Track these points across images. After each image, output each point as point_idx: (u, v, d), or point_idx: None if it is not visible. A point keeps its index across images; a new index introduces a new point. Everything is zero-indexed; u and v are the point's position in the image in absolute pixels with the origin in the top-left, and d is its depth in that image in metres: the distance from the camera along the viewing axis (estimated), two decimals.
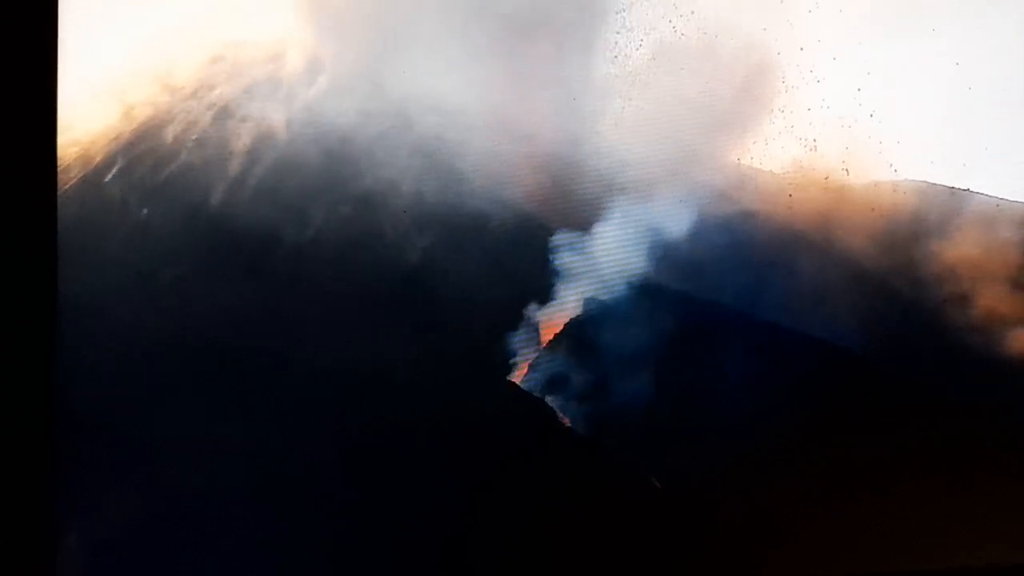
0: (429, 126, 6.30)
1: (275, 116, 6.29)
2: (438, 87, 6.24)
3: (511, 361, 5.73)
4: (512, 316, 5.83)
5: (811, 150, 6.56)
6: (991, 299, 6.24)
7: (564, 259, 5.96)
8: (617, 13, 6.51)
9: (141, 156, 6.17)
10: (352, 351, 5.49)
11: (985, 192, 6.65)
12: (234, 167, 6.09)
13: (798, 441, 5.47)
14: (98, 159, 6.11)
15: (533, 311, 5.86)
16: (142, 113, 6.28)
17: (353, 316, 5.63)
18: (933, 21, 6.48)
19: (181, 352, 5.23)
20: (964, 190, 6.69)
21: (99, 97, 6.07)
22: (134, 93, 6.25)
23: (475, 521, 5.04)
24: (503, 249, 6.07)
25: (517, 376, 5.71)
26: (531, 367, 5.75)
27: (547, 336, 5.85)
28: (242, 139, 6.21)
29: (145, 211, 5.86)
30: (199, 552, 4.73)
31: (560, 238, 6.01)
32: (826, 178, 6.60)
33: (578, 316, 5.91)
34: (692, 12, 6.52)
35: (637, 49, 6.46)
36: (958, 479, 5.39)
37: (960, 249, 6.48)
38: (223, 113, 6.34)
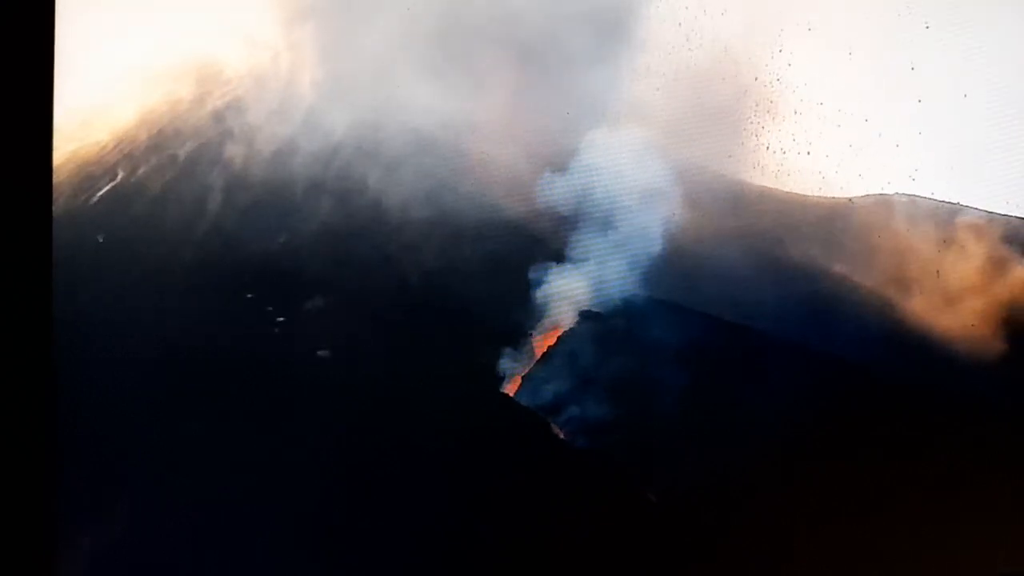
0: (427, 141, 6.34)
1: (273, 128, 6.32)
2: (439, 103, 6.29)
3: (505, 373, 5.72)
4: (506, 329, 5.83)
5: (803, 163, 6.62)
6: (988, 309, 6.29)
7: (559, 273, 5.98)
8: (620, 35, 6.59)
9: (136, 169, 6.20)
10: (347, 363, 5.49)
11: (977, 207, 6.71)
12: (230, 178, 6.11)
13: (794, 455, 5.46)
14: (95, 173, 6.15)
15: (527, 324, 5.87)
16: (135, 129, 6.32)
17: (349, 328, 5.63)
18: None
19: (178, 361, 5.24)
20: (957, 204, 6.74)
21: (92, 111, 6.11)
22: (125, 109, 6.29)
23: (466, 531, 5.02)
24: (499, 263, 6.09)
25: (510, 388, 5.71)
26: (525, 379, 5.75)
27: (541, 349, 5.86)
28: (238, 151, 6.25)
29: (141, 223, 5.89)
30: (197, 559, 4.72)
31: (556, 252, 6.03)
32: (820, 192, 6.67)
33: (572, 329, 5.91)
34: (691, 34, 6.60)
35: (636, 68, 6.53)
36: (957, 491, 5.37)
37: (952, 259, 6.52)
38: (220, 125, 6.37)
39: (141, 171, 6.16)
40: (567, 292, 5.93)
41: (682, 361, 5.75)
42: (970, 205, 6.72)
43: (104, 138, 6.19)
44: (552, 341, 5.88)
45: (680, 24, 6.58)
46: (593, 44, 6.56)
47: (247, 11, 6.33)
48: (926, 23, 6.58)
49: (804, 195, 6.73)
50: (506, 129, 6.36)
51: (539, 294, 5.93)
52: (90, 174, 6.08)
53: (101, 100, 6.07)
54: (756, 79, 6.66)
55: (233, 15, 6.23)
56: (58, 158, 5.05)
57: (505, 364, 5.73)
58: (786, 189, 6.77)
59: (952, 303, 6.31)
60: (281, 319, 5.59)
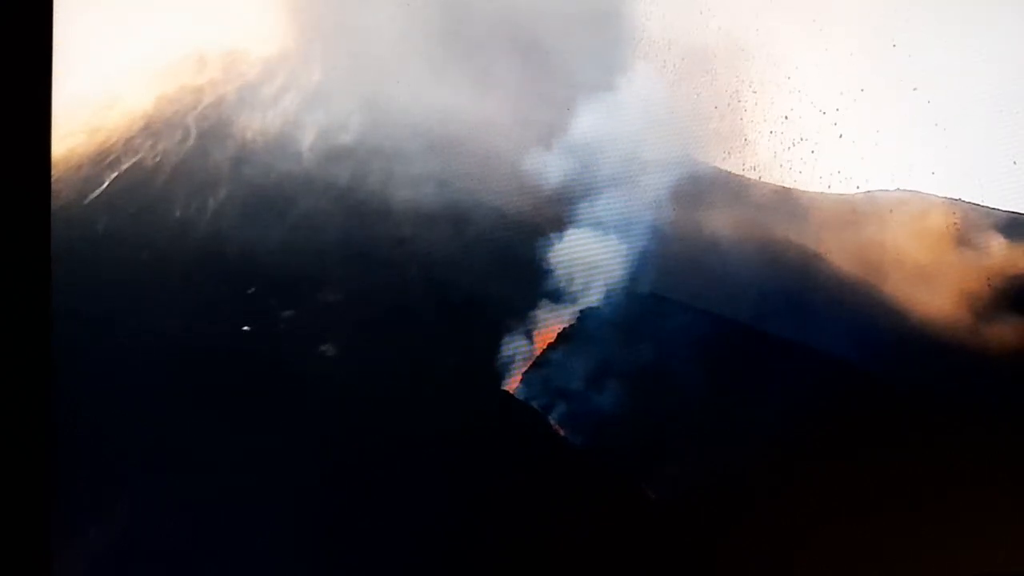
0: (425, 137, 6.32)
1: (274, 120, 6.31)
2: (439, 97, 6.28)
3: (505, 370, 5.72)
4: (506, 325, 5.83)
5: (798, 162, 6.63)
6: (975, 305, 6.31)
7: (558, 269, 5.97)
8: (621, 30, 6.58)
9: (135, 167, 6.18)
10: (347, 361, 5.49)
11: (977, 203, 6.74)
12: (228, 175, 6.10)
13: (794, 453, 5.47)
14: (95, 169, 6.13)
15: (527, 320, 5.86)
16: (133, 125, 6.30)
17: (348, 327, 5.62)
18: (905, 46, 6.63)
19: (177, 360, 5.23)
20: (958, 200, 6.76)
21: (95, 104, 6.09)
22: (122, 106, 6.26)
23: (466, 530, 5.03)
24: (498, 259, 6.08)
25: (511, 385, 5.70)
26: (525, 376, 5.74)
27: (541, 346, 5.85)
28: (236, 147, 6.23)
29: (140, 219, 5.87)
30: (197, 559, 4.72)
31: (555, 248, 6.02)
32: (817, 190, 6.68)
33: (572, 326, 5.91)
34: (692, 30, 6.60)
35: (632, 61, 6.52)
36: (953, 492, 5.38)
37: (954, 258, 6.53)
38: (217, 121, 6.35)
39: (140, 166, 6.15)
40: (567, 289, 5.93)
41: (683, 358, 5.75)
42: (971, 201, 6.74)
43: (104, 133, 6.16)
44: (552, 338, 5.87)
45: (680, 19, 6.58)
46: (594, 39, 6.56)
47: (245, 4, 6.31)
48: (927, 22, 6.59)
49: (804, 192, 6.73)
50: (507, 123, 6.35)
51: (540, 290, 5.92)
52: (91, 170, 6.06)
53: (104, 93, 6.05)
54: (758, 76, 6.66)
55: (231, 7, 6.21)
56: (58, 153, 5.03)
57: (506, 361, 5.73)
58: (785, 185, 6.77)
59: (955, 303, 6.32)
60: (287, 313, 5.58)
